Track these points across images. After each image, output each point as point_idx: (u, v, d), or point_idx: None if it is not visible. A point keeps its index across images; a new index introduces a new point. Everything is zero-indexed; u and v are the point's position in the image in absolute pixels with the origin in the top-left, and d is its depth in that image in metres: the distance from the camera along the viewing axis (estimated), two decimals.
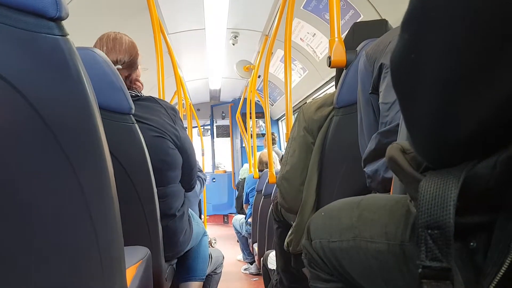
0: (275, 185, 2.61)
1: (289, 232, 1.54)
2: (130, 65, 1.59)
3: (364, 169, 1.18)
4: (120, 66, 1.55)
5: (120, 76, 1.33)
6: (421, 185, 0.48)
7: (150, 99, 1.60)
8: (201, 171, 2.66)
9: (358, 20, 2.83)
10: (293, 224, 1.51)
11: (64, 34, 0.66)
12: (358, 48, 1.40)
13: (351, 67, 1.39)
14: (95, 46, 1.58)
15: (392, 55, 0.50)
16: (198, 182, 2.44)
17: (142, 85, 1.65)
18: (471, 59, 0.40)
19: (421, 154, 0.52)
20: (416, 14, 0.45)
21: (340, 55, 1.41)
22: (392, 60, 0.50)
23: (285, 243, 1.56)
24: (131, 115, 1.35)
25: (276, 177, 2.89)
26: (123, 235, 0.80)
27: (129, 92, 1.47)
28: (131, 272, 1.00)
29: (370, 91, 1.17)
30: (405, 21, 0.46)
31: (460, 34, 0.40)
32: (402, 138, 0.84)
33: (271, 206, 2.43)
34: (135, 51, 1.62)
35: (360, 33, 1.51)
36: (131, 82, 1.59)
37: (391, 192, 0.95)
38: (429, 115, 0.47)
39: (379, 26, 1.50)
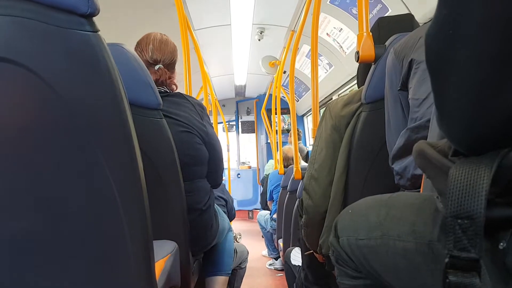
0: (301, 181, 2.60)
1: (321, 234, 1.51)
2: (169, 66, 1.66)
3: (392, 166, 1.16)
4: (161, 66, 1.61)
5: (150, 73, 1.35)
6: (450, 173, 0.46)
7: (178, 95, 1.62)
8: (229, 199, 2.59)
9: (386, 14, 2.79)
10: (324, 225, 1.49)
11: (95, 30, 0.67)
12: (386, 43, 1.37)
13: (380, 62, 1.36)
14: (139, 42, 1.63)
15: (428, 31, 0.48)
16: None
17: (176, 87, 1.68)
18: None
19: (452, 137, 0.50)
20: None
21: (369, 50, 1.38)
22: (427, 35, 0.48)
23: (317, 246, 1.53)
24: (159, 110, 1.37)
25: (301, 173, 2.88)
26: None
27: (158, 88, 1.49)
28: (160, 266, 1.01)
29: (398, 88, 1.15)
30: None
31: (504, 7, 0.38)
32: (433, 133, 0.82)
33: (297, 202, 2.41)
34: (176, 54, 1.69)
35: (386, 28, 1.48)
36: (169, 83, 1.64)
37: (421, 190, 0.93)
38: (465, 95, 0.45)
39: (405, 21, 1.47)
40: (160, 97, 1.36)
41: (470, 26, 0.41)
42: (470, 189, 0.44)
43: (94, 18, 0.67)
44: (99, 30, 0.68)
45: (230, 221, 2.37)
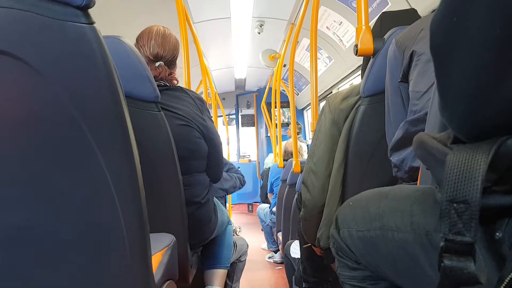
0: (300, 174, 2.60)
1: (319, 226, 1.51)
2: (171, 63, 1.64)
3: (390, 158, 1.17)
4: (162, 63, 1.58)
5: (150, 69, 1.34)
6: (448, 159, 0.47)
7: (179, 89, 1.61)
8: (239, 172, 2.59)
9: (385, 8, 2.77)
10: (322, 218, 1.49)
11: (90, 22, 0.66)
12: (385, 36, 1.37)
13: (379, 56, 1.36)
14: (140, 36, 1.61)
15: (433, 18, 0.48)
16: (236, 180, 2.46)
17: (177, 81, 1.67)
18: None
19: (453, 123, 0.50)
20: None
21: (367, 43, 1.38)
22: (433, 22, 0.49)
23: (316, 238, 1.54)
24: (157, 103, 1.36)
25: (301, 167, 2.88)
26: (149, 222, 0.81)
27: (158, 82, 1.49)
28: (157, 259, 1.01)
29: (399, 80, 1.15)
30: None
31: None
32: (430, 126, 0.82)
33: (296, 195, 2.42)
34: (177, 50, 1.66)
35: (388, 23, 1.47)
36: (169, 78, 1.62)
37: (418, 182, 0.94)
38: (467, 81, 0.45)
39: (408, 16, 1.46)
40: (157, 90, 1.36)
41: (474, 13, 0.42)
42: (467, 174, 0.44)
43: (90, 10, 0.67)
44: (95, 22, 0.67)
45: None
